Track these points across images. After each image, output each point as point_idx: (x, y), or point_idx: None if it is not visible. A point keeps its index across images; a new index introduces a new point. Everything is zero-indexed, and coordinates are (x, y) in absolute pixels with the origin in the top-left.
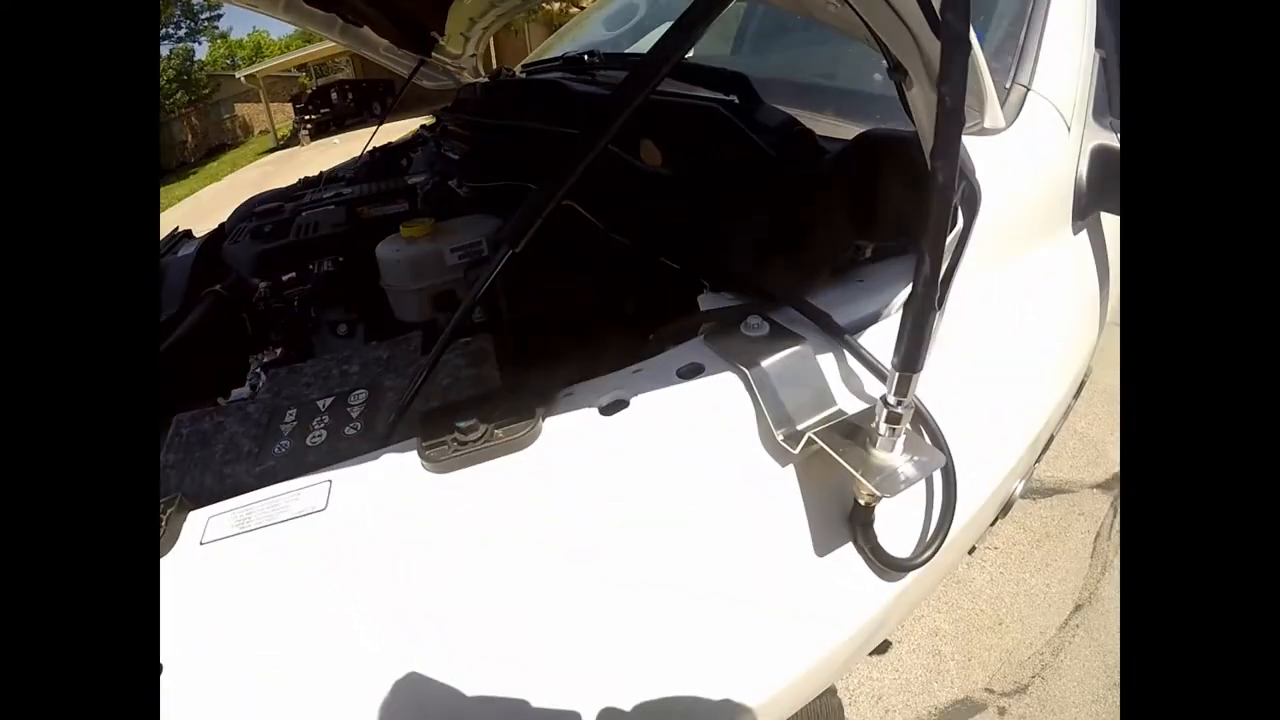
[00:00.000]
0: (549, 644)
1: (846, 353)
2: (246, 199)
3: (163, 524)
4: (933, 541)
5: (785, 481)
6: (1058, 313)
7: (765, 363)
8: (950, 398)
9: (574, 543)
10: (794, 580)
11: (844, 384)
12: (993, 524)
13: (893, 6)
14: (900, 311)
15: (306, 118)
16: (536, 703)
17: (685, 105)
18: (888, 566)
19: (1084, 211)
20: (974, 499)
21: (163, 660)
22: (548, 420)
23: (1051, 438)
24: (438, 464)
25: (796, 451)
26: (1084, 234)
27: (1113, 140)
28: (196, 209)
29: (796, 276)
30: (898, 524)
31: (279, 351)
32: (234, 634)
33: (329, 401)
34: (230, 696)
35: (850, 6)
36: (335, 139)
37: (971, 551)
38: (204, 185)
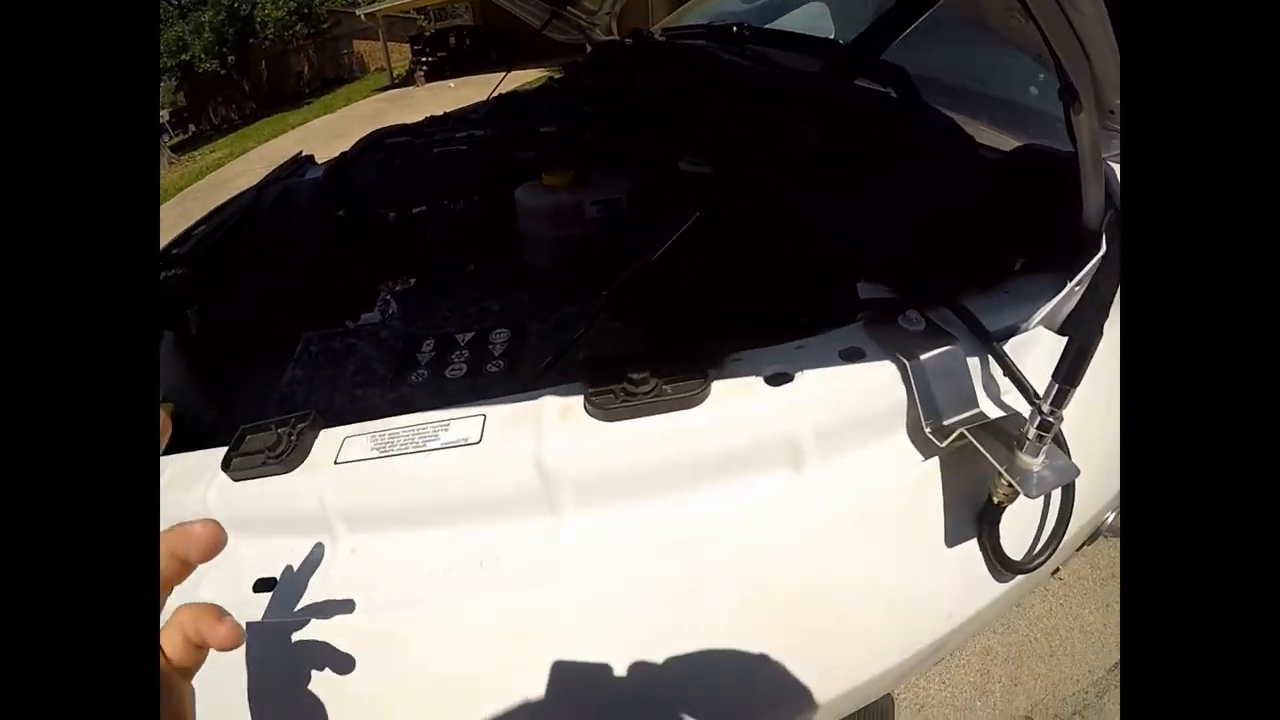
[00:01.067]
0: (701, 597)
1: (991, 359)
2: (371, 130)
3: (292, 438)
4: (1045, 549)
5: (928, 472)
6: None
7: (923, 357)
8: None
9: (733, 501)
10: (919, 566)
11: (984, 388)
12: (1079, 549)
13: (1075, 30)
14: (1040, 325)
15: (423, 59)
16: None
17: (851, 91)
18: (1004, 567)
19: None
20: (1078, 518)
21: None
22: (715, 382)
23: None
24: (605, 411)
25: (943, 445)
26: None
27: None
28: (308, 136)
29: (948, 278)
30: (1010, 530)
31: (412, 282)
32: (371, 565)
33: (469, 336)
34: (356, 642)
35: (1035, 24)
36: (450, 83)
37: (1055, 573)
38: (318, 116)
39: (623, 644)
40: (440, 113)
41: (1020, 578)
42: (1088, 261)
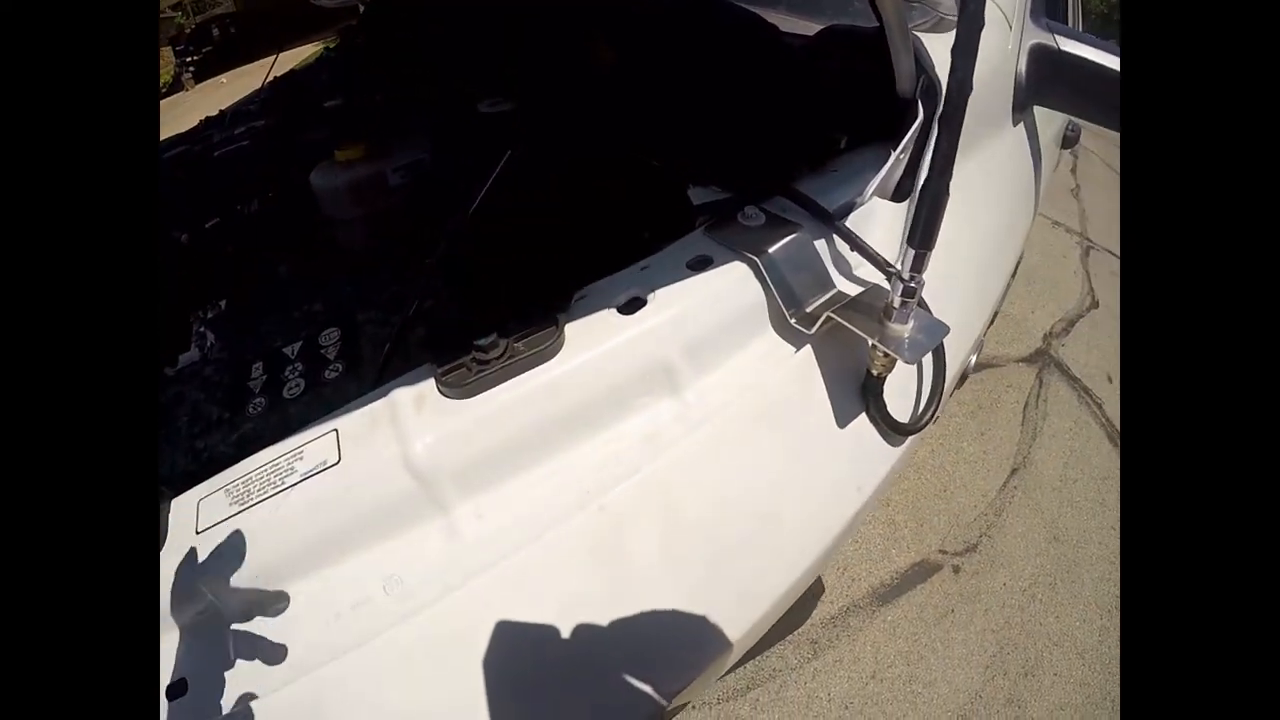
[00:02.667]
0: (623, 545)
1: (836, 238)
2: None
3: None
4: (929, 406)
5: (803, 361)
6: (1003, 199)
7: (770, 250)
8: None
9: (622, 441)
10: (820, 452)
11: (835, 267)
12: (950, 394)
13: None
14: (874, 196)
15: (188, 59)
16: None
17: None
18: (897, 432)
19: (1021, 105)
20: (950, 370)
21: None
22: (567, 326)
23: (996, 313)
24: (460, 389)
25: (811, 332)
26: (1020, 127)
27: (1048, 40)
28: None
29: (777, 167)
30: (892, 395)
31: (223, 304)
32: (274, 629)
33: (297, 346)
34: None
35: None
36: (222, 78)
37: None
38: None
39: (562, 618)
40: (215, 112)
41: (912, 437)
42: (908, 129)
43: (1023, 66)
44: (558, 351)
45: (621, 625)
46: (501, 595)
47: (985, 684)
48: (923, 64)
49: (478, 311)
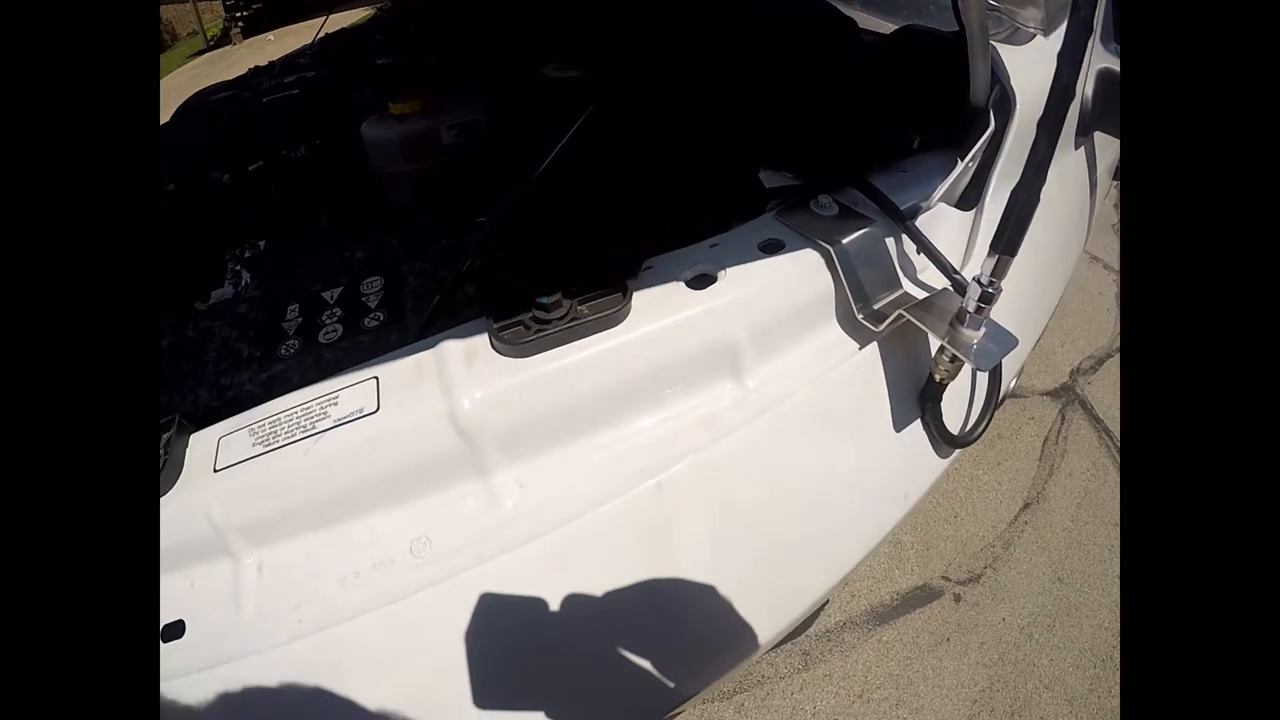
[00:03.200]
0: (671, 532)
1: (905, 238)
2: (194, 92)
3: (160, 456)
4: (980, 420)
5: (866, 359)
6: (1058, 225)
7: (845, 240)
8: None
9: (680, 420)
10: (873, 455)
11: (901, 267)
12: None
13: None
14: (940, 201)
15: (238, 14)
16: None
17: None
18: (948, 443)
19: (1084, 130)
20: (1003, 386)
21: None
22: (634, 295)
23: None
24: (516, 346)
25: (879, 330)
26: (1081, 152)
27: (1115, 65)
28: None
29: (851, 160)
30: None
31: (261, 245)
32: (286, 580)
33: (338, 292)
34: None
35: None
36: (270, 35)
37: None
38: None
39: (597, 602)
40: (264, 64)
41: (957, 451)
42: (978, 137)
43: (1089, 89)
44: (624, 319)
45: (658, 615)
46: (536, 572)
47: (971, 719)
48: (998, 74)
49: (534, 274)
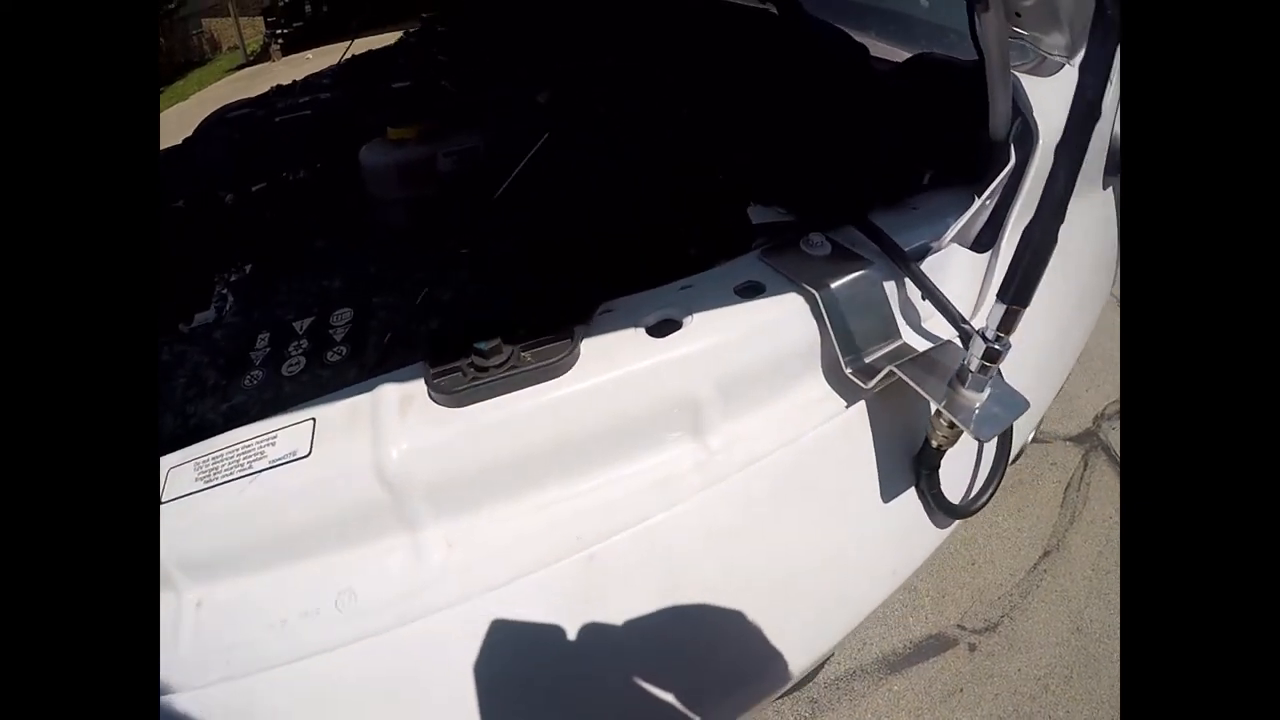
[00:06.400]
0: (606, 604)
1: (908, 282)
2: (214, 110)
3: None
4: (987, 486)
5: (852, 419)
6: (1083, 268)
7: (834, 285)
8: None
9: (626, 484)
10: (857, 528)
11: (902, 315)
12: None
13: None
14: (951, 244)
15: (278, 31)
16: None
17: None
18: (946, 513)
19: (1113, 169)
20: (1014, 449)
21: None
22: (584, 342)
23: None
24: (451, 395)
25: (868, 386)
26: (1109, 192)
27: None
28: (163, 130)
29: (851, 196)
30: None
31: (248, 269)
32: (222, 618)
33: (308, 323)
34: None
35: None
36: (309, 54)
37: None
38: (170, 105)
39: (521, 677)
40: (289, 82)
41: (957, 521)
42: (997, 174)
43: (1118, 127)
44: (569, 368)
45: (584, 699)
46: (457, 638)
47: None
48: (1019, 106)
49: (475, 316)
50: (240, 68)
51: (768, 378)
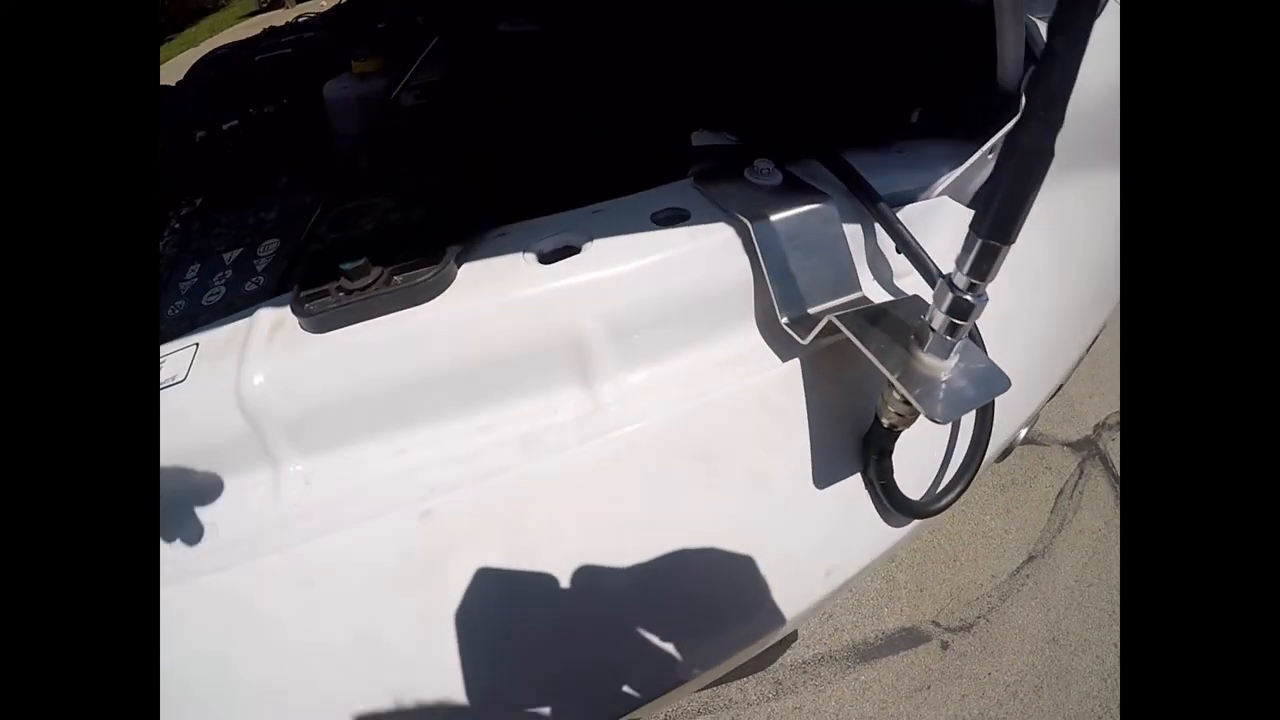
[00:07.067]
0: (459, 564)
1: (878, 226)
2: (206, 53)
3: None
4: (954, 485)
5: (782, 379)
6: (1100, 249)
7: (775, 217)
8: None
9: (475, 441)
10: (780, 514)
11: (869, 266)
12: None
13: None
14: (944, 195)
15: None
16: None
17: None
18: (898, 509)
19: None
20: (996, 438)
21: None
22: (465, 266)
23: (1061, 386)
24: (315, 319)
25: (806, 342)
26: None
27: None
28: (173, 74)
29: (822, 127)
30: (905, 456)
31: (198, 203)
32: None
33: (236, 254)
34: None
35: None
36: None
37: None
38: (182, 50)
39: (355, 628)
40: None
41: (918, 522)
42: (1003, 125)
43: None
44: (440, 292)
45: (407, 660)
46: (292, 583)
47: None
48: (1034, 53)
49: (347, 236)
50: (254, 14)
51: (679, 321)
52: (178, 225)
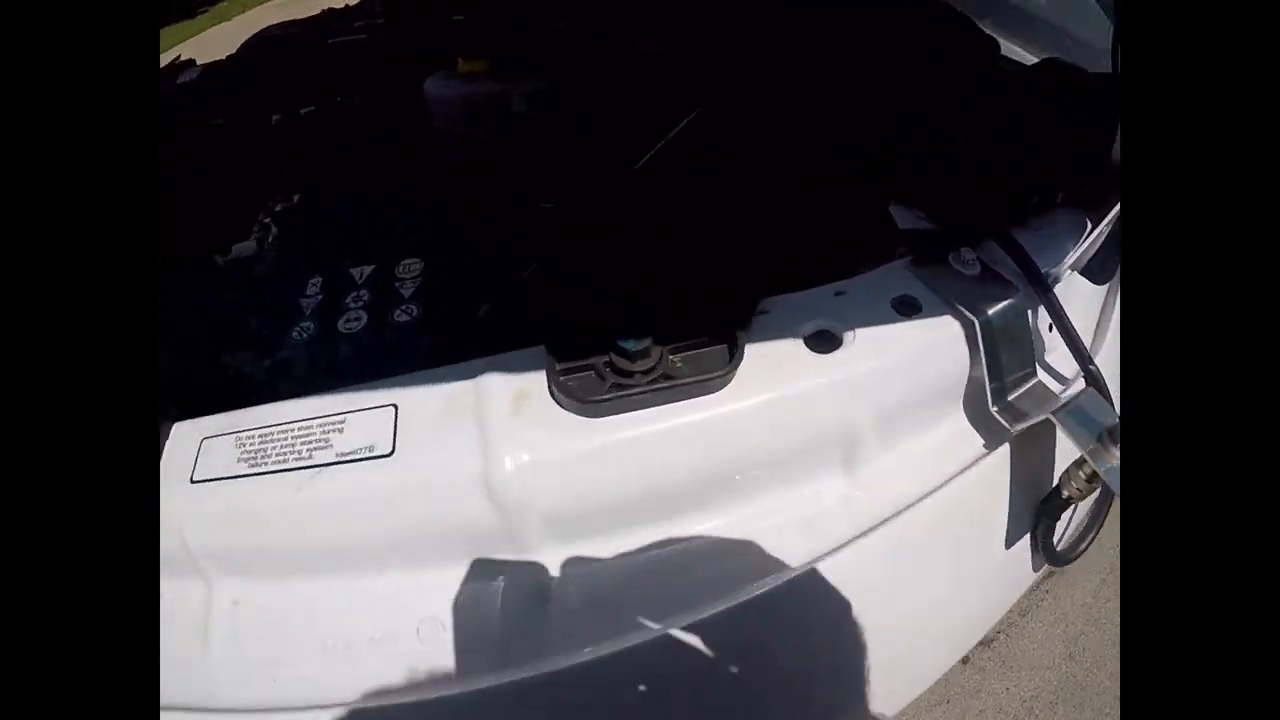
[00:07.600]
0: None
1: (1043, 311)
2: (262, 28)
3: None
4: (1086, 535)
5: (994, 461)
6: None
7: (991, 312)
8: None
9: (767, 521)
10: (974, 572)
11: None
12: None
13: None
14: (1071, 270)
15: None
16: None
17: None
18: (1051, 561)
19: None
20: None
21: None
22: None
23: None
24: (584, 403)
25: (1014, 429)
26: None
27: None
28: (202, 51)
29: (987, 207)
30: None
31: (295, 198)
32: (263, 624)
33: (368, 270)
34: None
35: None
36: None
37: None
38: (213, 25)
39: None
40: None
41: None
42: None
43: None
44: (729, 382)
45: None
46: (573, 694)
47: None
48: None
49: (612, 305)
50: None
51: (922, 409)
52: (269, 222)
